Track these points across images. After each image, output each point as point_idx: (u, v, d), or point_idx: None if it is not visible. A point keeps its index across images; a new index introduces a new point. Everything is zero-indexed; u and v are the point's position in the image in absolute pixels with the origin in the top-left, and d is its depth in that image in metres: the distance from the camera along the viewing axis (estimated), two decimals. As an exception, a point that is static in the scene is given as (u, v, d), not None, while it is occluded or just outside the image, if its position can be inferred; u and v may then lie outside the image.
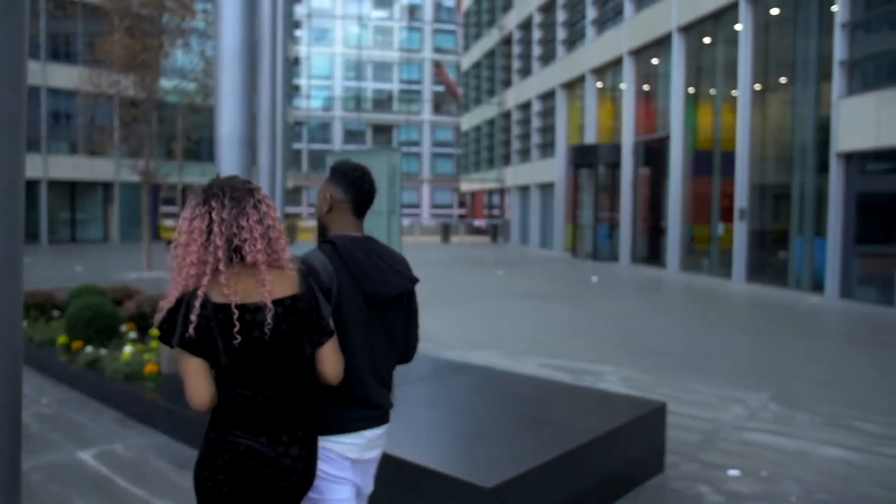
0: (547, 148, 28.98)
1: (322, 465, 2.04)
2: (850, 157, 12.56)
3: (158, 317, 1.83)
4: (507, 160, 34.85)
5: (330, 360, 1.94)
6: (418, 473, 3.22)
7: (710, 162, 17.34)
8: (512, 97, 33.26)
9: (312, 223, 38.07)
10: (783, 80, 15.16)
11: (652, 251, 20.44)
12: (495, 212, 41.32)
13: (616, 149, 21.79)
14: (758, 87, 15.39)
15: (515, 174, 33.02)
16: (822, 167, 13.27)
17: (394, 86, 61.12)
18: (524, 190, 32.16)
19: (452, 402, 4.36)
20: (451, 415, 4.12)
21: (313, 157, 58.14)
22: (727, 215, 16.37)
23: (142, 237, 18.04)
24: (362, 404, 2.10)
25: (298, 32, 54.42)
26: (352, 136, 59.27)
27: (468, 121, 42.71)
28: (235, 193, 1.88)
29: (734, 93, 15.95)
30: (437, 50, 62.24)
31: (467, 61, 42.53)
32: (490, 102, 37.18)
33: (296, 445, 1.87)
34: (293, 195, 49.97)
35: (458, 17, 58.39)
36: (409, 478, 3.24)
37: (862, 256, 12.55)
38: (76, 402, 5.78)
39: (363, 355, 2.10)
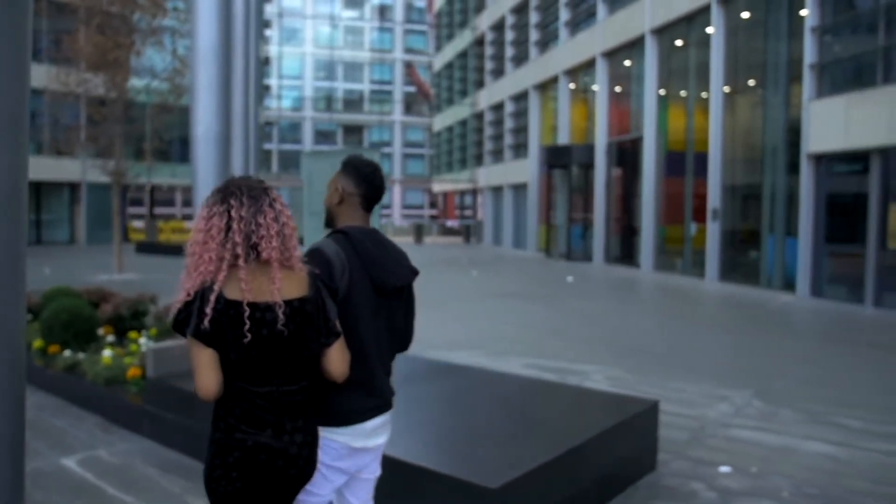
0: (520, 148, 29.12)
1: (320, 455, 2.08)
2: (819, 159, 12.84)
3: (175, 308, 1.89)
4: (479, 161, 34.93)
5: (336, 360, 2.01)
6: (422, 475, 3.19)
7: (682, 163, 17.58)
8: (485, 98, 33.35)
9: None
10: (754, 82, 15.45)
11: (625, 251, 20.66)
12: (467, 212, 41.38)
13: (589, 149, 21.98)
14: (729, 89, 15.65)
15: (488, 175, 33.11)
16: (793, 168, 13.55)
17: (365, 86, 60.85)
18: (497, 190, 32.27)
19: (448, 403, 4.34)
20: (449, 416, 4.10)
21: (284, 158, 57.63)
22: (700, 215, 16.63)
23: (112, 239, 17.68)
24: (369, 393, 2.18)
25: (268, 32, 53.88)
26: (322, 136, 58.87)
27: (440, 121, 42.72)
28: (253, 192, 1.93)
29: (705, 94, 16.20)
30: (408, 50, 62.16)
31: (439, 62, 42.53)
32: (462, 103, 37.24)
33: (299, 433, 1.94)
34: (264, 196, 49.22)
35: (428, 18, 58.40)
36: (412, 480, 3.21)
37: (831, 256, 12.83)
38: (54, 408, 5.63)
39: (371, 343, 2.18)
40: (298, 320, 1.91)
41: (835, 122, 12.24)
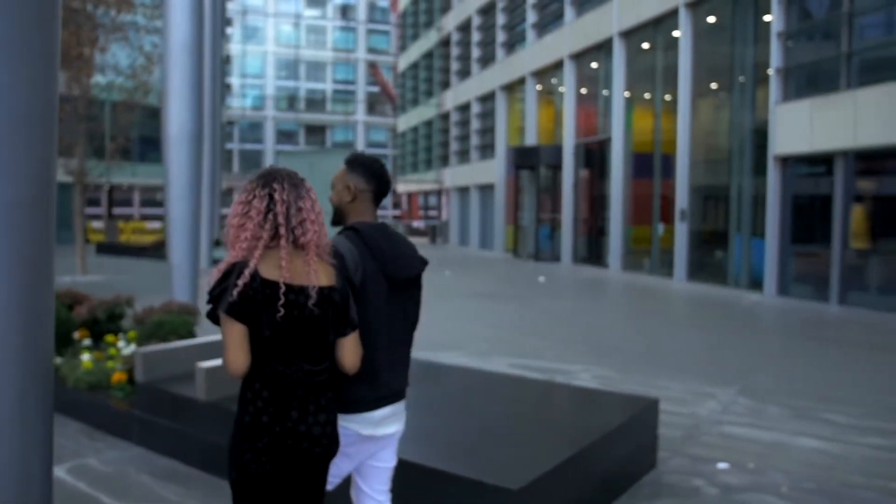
0: (486, 149, 29.22)
1: None
2: (785, 161, 13.17)
3: (211, 281, 1.97)
4: (445, 161, 34.94)
5: (350, 351, 2.11)
6: (439, 478, 3.15)
7: (650, 164, 17.86)
8: (450, 98, 33.38)
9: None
10: (721, 85, 15.77)
11: (593, 251, 20.89)
12: (431, 213, 41.37)
13: (557, 150, 22.16)
14: (697, 91, 15.94)
15: (454, 175, 33.14)
16: (759, 170, 13.87)
17: (327, 86, 60.32)
18: (463, 191, 32.32)
19: (453, 404, 4.30)
20: (456, 417, 4.06)
21: (245, 158, 56.78)
22: (667, 216, 16.91)
23: (72, 239, 17.16)
24: (377, 384, 2.26)
25: (229, 30, 53.00)
26: (284, 136, 58.17)
27: (405, 122, 42.61)
28: (293, 179, 2.05)
29: (673, 97, 16.48)
30: (371, 50, 61.84)
31: (404, 62, 42.42)
32: (428, 103, 37.20)
33: (322, 412, 2.03)
34: (225, 196, 48.60)
35: (392, 18, 58.21)
36: (429, 483, 3.17)
37: (797, 256, 13.18)
38: (34, 415, 5.40)
39: (383, 336, 2.26)
40: (325, 306, 2.00)
41: (800, 126, 12.57)
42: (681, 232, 16.03)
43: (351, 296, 2.12)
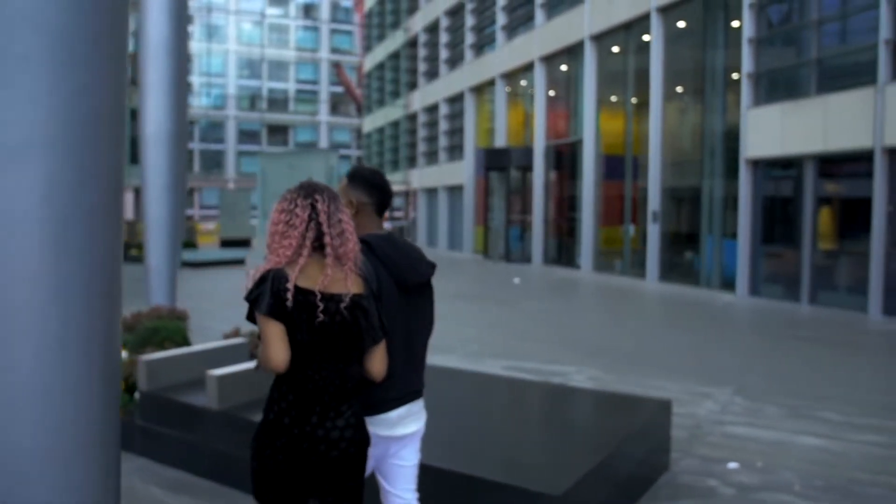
0: (455, 150, 29.23)
1: None
2: (756, 164, 13.48)
3: (247, 285, 2.07)
4: (412, 162, 34.85)
5: (378, 360, 2.21)
6: (477, 485, 3.11)
7: (621, 166, 18.09)
8: (418, 99, 33.30)
9: (211, 226, 36.46)
10: (693, 89, 16.06)
11: (564, 253, 21.06)
12: (397, 213, 41.23)
13: (528, 152, 22.29)
14: (668, 95, 16.20)
15: (422, 176, 33.07)
16: (730, 172, 14.17)
17: (290, 85, 59.64)
18: (431, 192, 32.28)
19: (472, 409, 4.27)
20: (478, 422, 4.03)
21: (206, 158, 55.79)
22: (638, 218, 17.14)
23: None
24: (391, 385, 2.32)
25: (190, 28, 52.00)
26: (246, 136, 57.32)
27: (371, 122, 42.37)
28: (332, 193, 2.16)
29: (644, 100, 16.73)
30: (335, 50, 61.35)
31: (370, 62, 42.18)
32: (394, 104, 37.05)
33: (341, 418, 2.11)
34: (188, 197, 47.62)
35: (355, 18, 57.85)
36: (466, 491, 3.13)
37: (768, 256, 13.50)
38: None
39: (396, 339, 2.33)
40: (357, 314, 2.11)
41: (771, 130, 12.88)
42: (653, 233, 16.27)
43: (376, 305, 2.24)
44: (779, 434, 5.25)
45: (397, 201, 41.43)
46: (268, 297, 2.01)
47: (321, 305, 2.03)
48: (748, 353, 8.61)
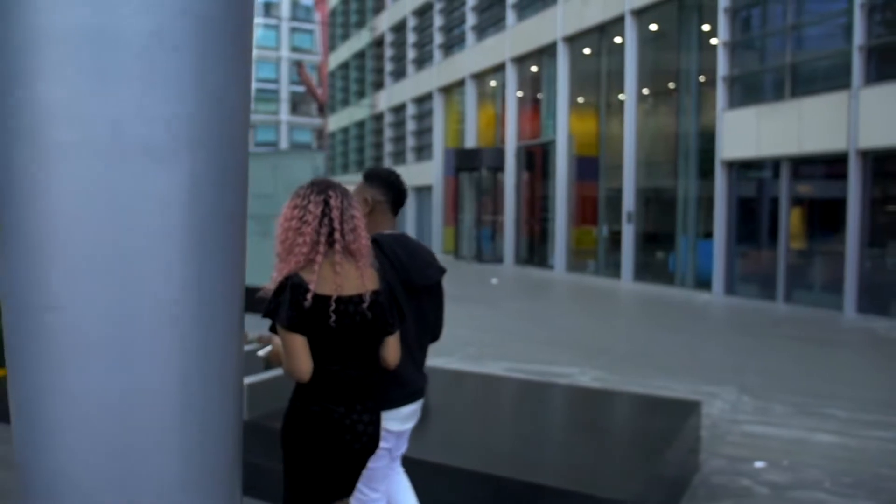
0: (423, 151, 29.14)
1: None
2: (732, 165, 13.75)
3: (263, 296, 2.10)
4: (378, 163, 34.63)
5: (393, 348, 2.26)
6: (548, 494, 3.05)
7: (594, 167, 18.27)
8: (384, 99, 33.11)
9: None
10: (667, 90, 16.31)
11: (537, 253, 21.17)
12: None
13: (499, 153, 22.34)
14: (643, 96, 16.43)
15: (389, 177, 32.87)
16: (704, 174, 14.43)
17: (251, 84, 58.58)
18: (398, 193, 32.09)
19: (506, 414, 4.21)
20: (520, 428, 3.97)
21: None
22: (612, 218, 17.34)
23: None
24: (403, 383, 2.45)
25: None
26: (205, 135, 56.08)
27: (335, 122, 41.99)
28: (343, 189, 2.18)
29: (619, 101, 16.93)
30: (295, 49, 60.56)
31: (334, 61, 41.79)
32: (360, 104, 36.77)
33: (367, 413, 2.18)
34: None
35: (316, 17, 57.23)
36: (533, 500, 3.06)
37: (743, 256, 13.78)
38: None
39: (408, 339, 2.40)
40: (375, 309, 2.15)
41: (747, 132, 13.15)
42: (628, 233, 16.47)
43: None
44: (794, 432, 5.32)
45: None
46: (287, 308, 2.03)
47: (333, 316, 2.06)
48: (739, 351, 8.75)
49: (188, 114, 1.45)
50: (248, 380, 4.00)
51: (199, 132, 1.47)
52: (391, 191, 2.54)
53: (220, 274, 1.58)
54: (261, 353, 2.58)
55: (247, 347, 2.70)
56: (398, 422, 2.48)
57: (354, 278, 2.11)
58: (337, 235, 2.08)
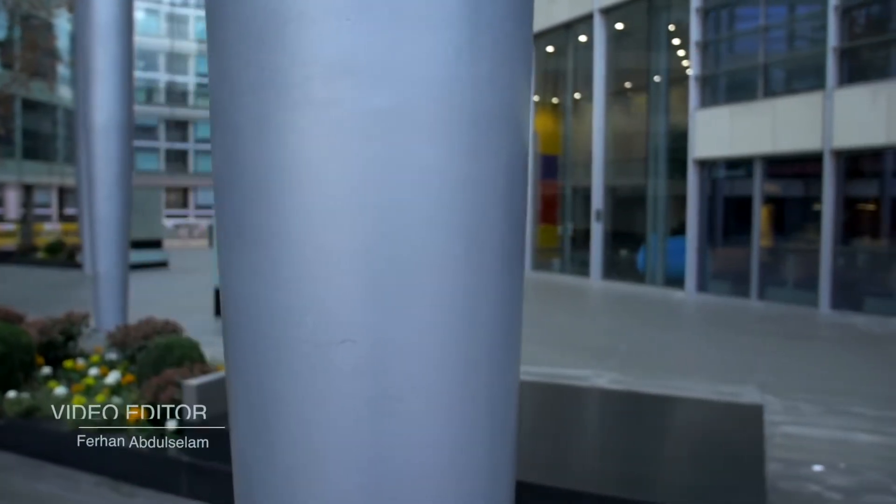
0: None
1: None
2: (704, 164, 13.88)
3: None
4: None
5: None
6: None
7: (559, 165, 18.23)
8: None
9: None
10: (637, 89, 16.38)
11: (500, 252, 21.01)
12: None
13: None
14: (612, 95, 16.45)
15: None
16: (674, 172, 14.53)
17: (190, 79, 56.69)
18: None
19: (575, 425, 3.94)
20: (591, 439, 3.71)
21: (96, 154, 51.92)
22: (578, 216, 17.33)
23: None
24: None
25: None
26: (142, 131, 53.85)
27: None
28: None
29: (585, 100, 16.92)
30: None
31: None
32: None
33: None
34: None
35: (259, 11, 55.71)
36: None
37: (715, 254, 13.93)
38: (23, 467, 4.37)
39: None
40: None
41: (720, 131, 13.29)
42: (596, 231, 16.48)
43: None
44: (832, 432, 5.25)
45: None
46: None
47: None
48: (737, 349, 8.74)
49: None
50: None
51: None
52: None
53: (505, 270, 1.26)
54: None
55: None
56: None
57: None
58: None
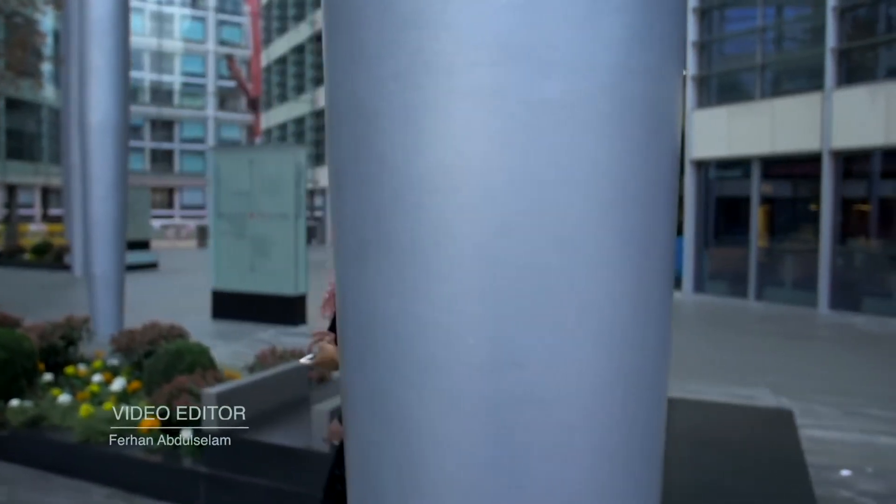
0: (369, 149, 28.46)
1: None
2: (701, 164, 13.87)
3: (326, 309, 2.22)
4: (319, 160, 33.67)
5: None
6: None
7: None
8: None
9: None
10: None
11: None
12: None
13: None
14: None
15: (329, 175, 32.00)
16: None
17: (175, 78, 56.11)
18: (342, 192, 31.30)
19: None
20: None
21: (80, 154, 51.28)
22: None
23: None
24: None
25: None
26: (126, 130, 53.29)
27: (271, 118, 40.61)
28: None
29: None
30: (223, 42, 58.34)
31: (270, 56, 40.38)
32: (298, 99, 35.66)
33: None
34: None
35: (245, 9, 55.35)
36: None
37: (713, 255, 13.93)
38: (28, 480, 4.20)
39: None
40: None
41: (717, 131, 13.28)
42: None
43: None
44: (853, 435, 5.19)
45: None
46: None
47: None
48: (741, 350, 8.70)
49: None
50: (324, 406, 3.48)
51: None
52: None
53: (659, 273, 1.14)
54: (304, 360, 2.31)
55: (302, 360, 2.28)
56: None
57: None
58: None
